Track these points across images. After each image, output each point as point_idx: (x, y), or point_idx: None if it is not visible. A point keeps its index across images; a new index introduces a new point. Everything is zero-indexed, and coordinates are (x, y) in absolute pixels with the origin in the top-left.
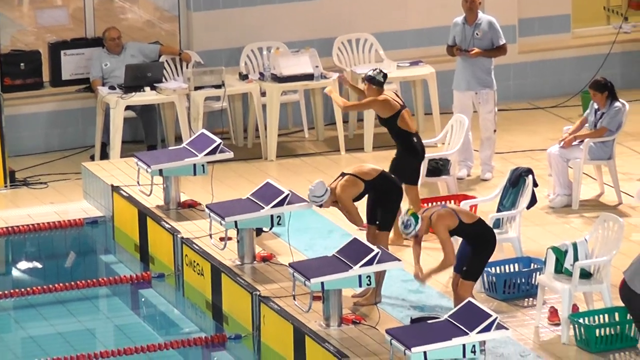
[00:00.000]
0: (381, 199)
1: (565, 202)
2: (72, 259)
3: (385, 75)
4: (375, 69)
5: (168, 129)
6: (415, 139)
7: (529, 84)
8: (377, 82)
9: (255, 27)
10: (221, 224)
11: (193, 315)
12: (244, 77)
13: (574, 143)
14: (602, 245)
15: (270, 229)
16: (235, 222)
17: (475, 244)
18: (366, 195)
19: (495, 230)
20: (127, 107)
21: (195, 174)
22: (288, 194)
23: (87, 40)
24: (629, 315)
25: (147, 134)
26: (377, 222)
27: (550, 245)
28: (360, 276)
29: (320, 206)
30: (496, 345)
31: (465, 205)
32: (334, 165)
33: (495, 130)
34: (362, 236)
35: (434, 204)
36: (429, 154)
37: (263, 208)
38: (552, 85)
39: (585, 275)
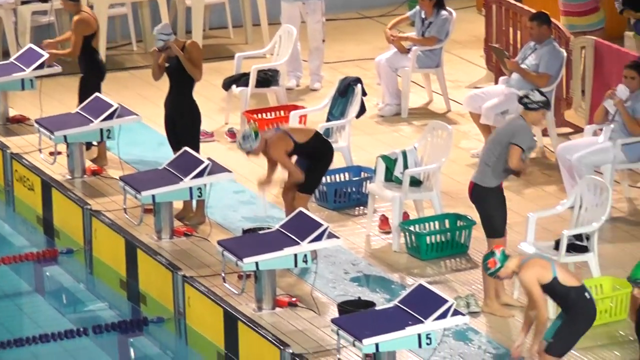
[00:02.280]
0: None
1: (395, 110)
2: None
3: None
4: None
5: None
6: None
7: None
8: None
9: None
10: (50, 139)
11: (24, 231)
12: None
13: (407, 47)
14: (431, 153)
15: (100, 142)
16: (65, 136)
17: (312, 159)
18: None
19: None
20: None
21: (23, 88)
22: (117, 107)
23: None
24: (459, 222)
25: None
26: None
27: (380, 154)
28: (191, 188)
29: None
30: (328, 254)
31: (294, 115)
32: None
33: (323, 40)
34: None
35: (263, 115)
36: (258, 65)
37: (92, 122)
38: None
39: (415, 183)
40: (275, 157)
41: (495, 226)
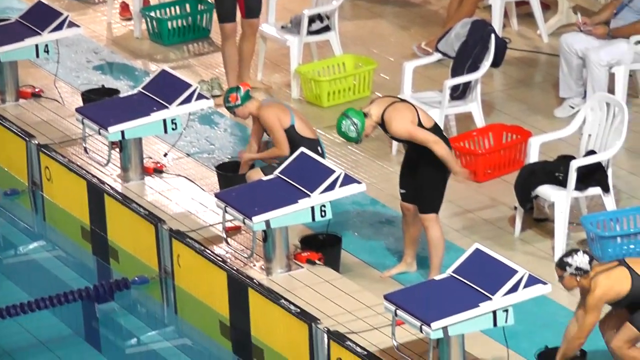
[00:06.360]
0: None
1: None
2: None
3: None
4: None
5: None
6: None
7: None
8: None
9: None
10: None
11: None
12: None
13: None
14: None
15: None
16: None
17: None
18: None
19: None
20: None
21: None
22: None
23: None
24: (200, 6)
25: None
26: None
27: None
28: None
29: None
30: (69, 43)
31: None
32: None
33: None
34: None
35: None
36: None
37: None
38: None
39: None
40: None
41: (221, 10)
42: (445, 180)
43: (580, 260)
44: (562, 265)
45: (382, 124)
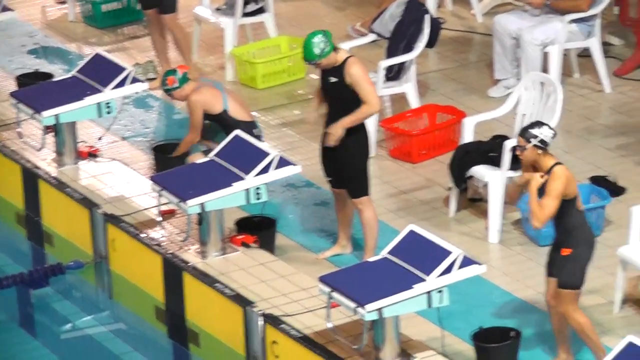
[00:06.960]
0: None
1: None
2: None
3: None
4: None
5: None
6: None
7: None
8: None
9: None
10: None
11: None
12: None
13: None
14: None
15: None
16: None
17: None
18: None
19: None
20: None
21: None
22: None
23: None
24: None
25: None
26: None
27: None
28: None
29: None
30: (3, 27)
31: None
32: None
33: None
34: None
35: None
36: None
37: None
38: None
39: None
40: None
41: None
42: (366, 161)
43: (546, 133)
44: (526, 135)
45: (340, 67)
